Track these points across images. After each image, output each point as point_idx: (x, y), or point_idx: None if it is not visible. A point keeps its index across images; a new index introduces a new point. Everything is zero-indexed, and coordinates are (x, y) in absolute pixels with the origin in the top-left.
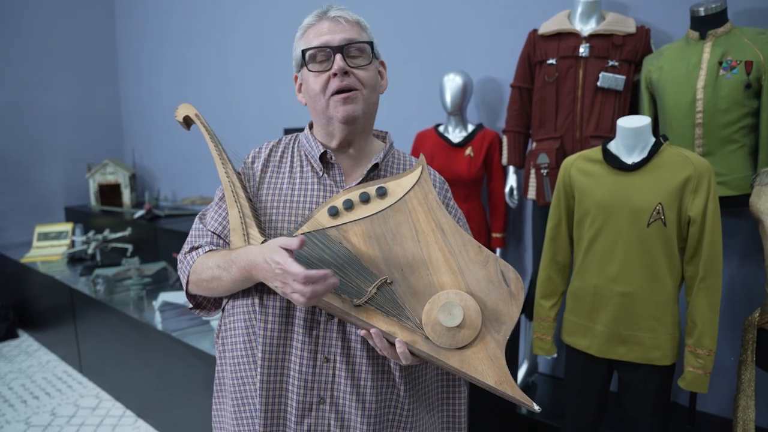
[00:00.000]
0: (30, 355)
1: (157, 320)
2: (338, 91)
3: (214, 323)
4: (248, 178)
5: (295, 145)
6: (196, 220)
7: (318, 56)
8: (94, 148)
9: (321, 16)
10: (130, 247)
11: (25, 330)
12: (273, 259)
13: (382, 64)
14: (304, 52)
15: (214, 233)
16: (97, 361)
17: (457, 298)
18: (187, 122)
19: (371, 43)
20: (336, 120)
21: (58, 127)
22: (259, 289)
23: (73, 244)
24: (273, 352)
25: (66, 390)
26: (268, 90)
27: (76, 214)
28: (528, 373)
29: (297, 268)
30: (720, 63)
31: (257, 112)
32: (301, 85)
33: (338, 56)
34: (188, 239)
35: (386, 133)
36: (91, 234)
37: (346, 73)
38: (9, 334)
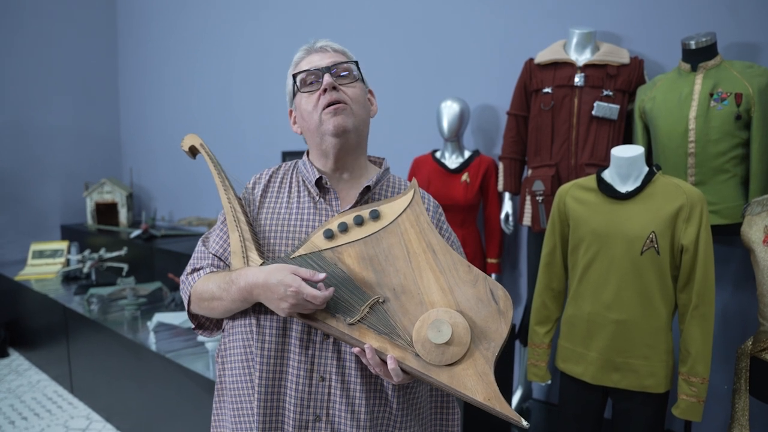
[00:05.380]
0: (20, 375)
1: (151, 341)
2: (328, 104)
3: (209, 345)
4: (248, 203)
5: (294, 172)
6: (199, 242)
7: (308, 78)
8: (92, 166)
9: (309, 50)
10: (125, 266)
11: (16, 349)
12: (284, 282)
13: (371, 92)
14: (294, 76)
15: (216, 255)
16: (88, 382)
17: (447, 315)
18: (193, 151)
19: (356, 63)
20: (328, 134)
21: (56, 145)
22: (256, 310)
23: (68, 262)
24: (270, 371)
25: (56, 411)
26: (267, 112)
27: (72, 233)
28: (522, 399)
29: (313, 290)
30: (711, 94)
31: (256, 134)
32: (295, 116)
33: (326, 75)
34: (191, 261)
35: (383, 159)
36: (86, 253)
37: (334, 88)
38: (0, 353)
